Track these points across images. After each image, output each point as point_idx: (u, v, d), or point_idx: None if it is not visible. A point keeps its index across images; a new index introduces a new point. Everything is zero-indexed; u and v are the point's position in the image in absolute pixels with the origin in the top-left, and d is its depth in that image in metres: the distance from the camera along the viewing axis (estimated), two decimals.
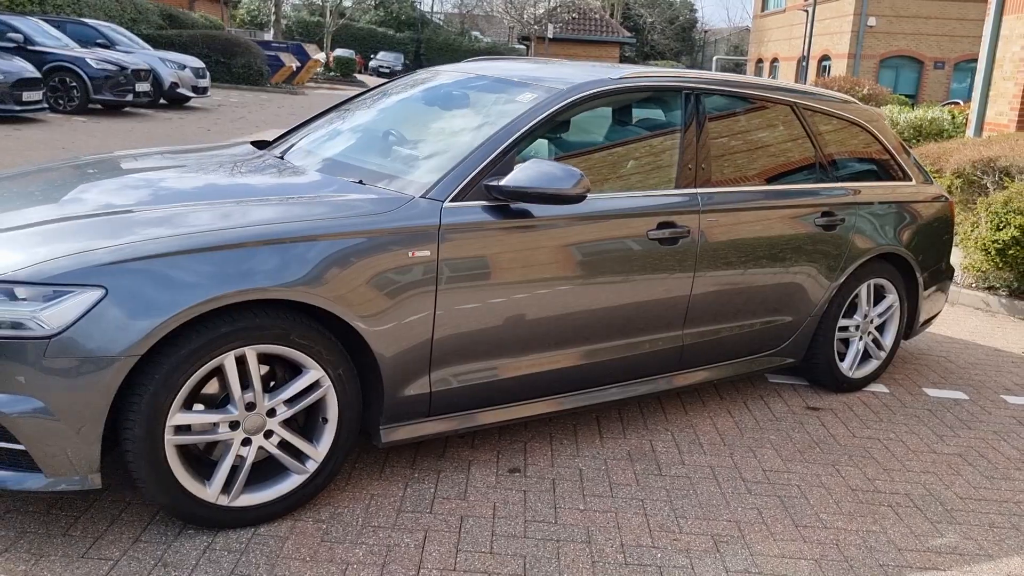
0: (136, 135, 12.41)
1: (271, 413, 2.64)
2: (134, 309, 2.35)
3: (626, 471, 3.26)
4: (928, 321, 4.67)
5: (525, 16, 28.92)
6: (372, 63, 46.11)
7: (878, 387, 4.41)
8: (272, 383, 2.69)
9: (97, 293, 2.34)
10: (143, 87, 15.58)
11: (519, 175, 2.91)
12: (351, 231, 2.69)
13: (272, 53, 28.46)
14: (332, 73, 37.99)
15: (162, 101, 17.38)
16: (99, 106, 14.95)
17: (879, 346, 4.35)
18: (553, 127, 3.35)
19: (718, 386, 4.20)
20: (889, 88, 17.07)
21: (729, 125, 3.76)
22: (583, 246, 3.15)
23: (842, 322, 4.15)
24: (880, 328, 4.36)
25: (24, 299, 2.33)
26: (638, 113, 3.69)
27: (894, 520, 3.06)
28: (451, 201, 2.91)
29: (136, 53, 17.07)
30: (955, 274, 5.92)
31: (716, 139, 3.65)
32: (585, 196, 2.92)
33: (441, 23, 55.30)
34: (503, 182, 2.92)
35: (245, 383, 2.57)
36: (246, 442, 2.62)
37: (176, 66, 17.54)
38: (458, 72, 3.90)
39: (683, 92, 3.59)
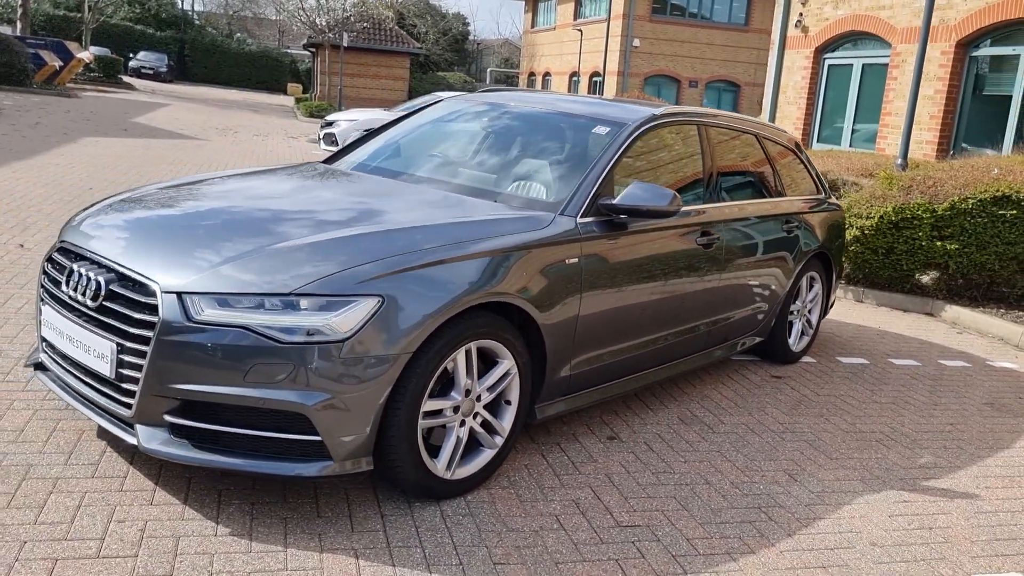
0: None
1: (478, 398, 3.15)
2: (407, 313, 2.78)
3: (689, 432, 4.06)
4: (832, 304, 5.92)
5: (319, 23, 28.74)
6: (132, 63, 43.13)
7: (808, 359, 5.56)
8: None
9: (375, 301, 2.75)
10: None
11: (629, 195, 3.61)
12: (532, 242, 3.26)
13: (32, 51, 26.05)
14: (95, 73, 35.18)
15: None
16: None
17: (810, 324, 5.50)
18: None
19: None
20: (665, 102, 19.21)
21: (724, 151, 4.69)
22: (663, 250, 3.92)
23: (791, 307, 5.24)
24: (810, 311, 5.51)
25: (305, 309, 2.69)
26: (670, 140, 4.50)
27: (885, 450, 4.11)
28: (581, 216, 3.55)
29: None
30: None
31: (720, 162, 4.57)
32: (679, 211, 3.68)
33: (200, 23, 52.68)
34: (616, 201, 3.62)
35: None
36: (461, 423, 3.11)
37: None
38: (514, 102, 4.51)
39: (698, 125, 4.46)
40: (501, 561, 2.76)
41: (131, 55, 44.38)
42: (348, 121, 14.62)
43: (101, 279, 2.87)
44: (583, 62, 37.47)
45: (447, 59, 49.09)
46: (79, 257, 3.06)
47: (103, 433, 3.31)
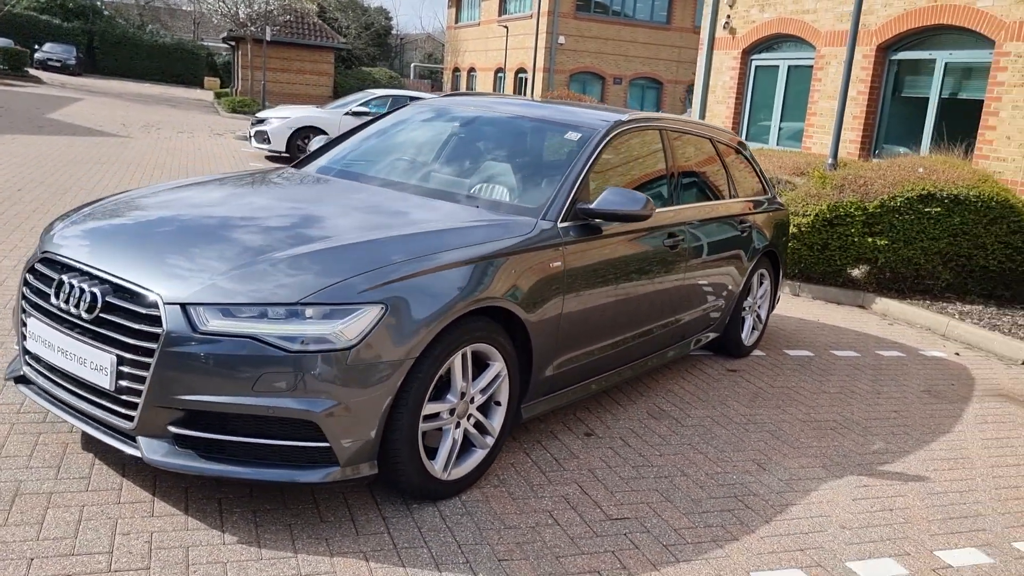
0: None
1: (471, 400, 3.23)
2: (409, 319, 2.85)
3: (659, 426, 4.22)
4: (778, 300, 6.19)
5: (240, 15, 28.04)
6: (38, 55, 41.29)
7: (758, 352, 5.82)
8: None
9: (379, 309, 2.80)
10: None
11: (605, 200, 3.74)
12: (519, 247, 3.36)
13: None
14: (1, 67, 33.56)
15: None
16: None
17: (760, 319, 5.76)
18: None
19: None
20: (594, 99, 19.55)
21: (684, 155, 4.87)
22: (635, 252, 4.07)
23: (744, 303, 5.48)
24: (760, 306, 5.76)
25: (311, 318, 2.73)
26: (636, 145, 4.65)
27: (840, 438, 4.36)
28: (561, 221, 3.67)
29: None
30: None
31: (681, 165, 4.75)
32: (652, 214, 3.83)
33: (109, 13, 50.74)
34: (593, 205, 3.74)
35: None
36: (456, 425, 3.18)
37: None
38: (483, 109, 4.58)
39: (659, 130, 4.63)
40: (505, 558, 2.85)
41: (36, 47, 42.49)
42: (280, 119, 14.39)
43: (96, 291, 2.84)
44: (508, 58, 37.63)
45: (370, 54, 48.57)
46: (66, 268, 3.02)
47: (89, 444, 3.26)
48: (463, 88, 44.57)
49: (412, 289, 2.91)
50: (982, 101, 9.35)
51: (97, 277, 2.90)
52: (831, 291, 7.87)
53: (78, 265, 2.97)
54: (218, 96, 32.66)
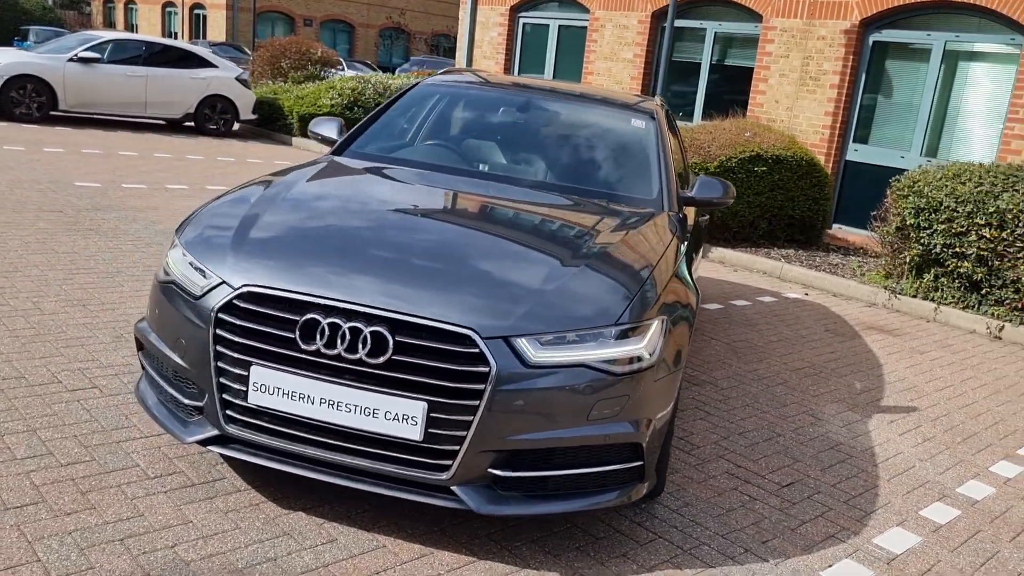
0: None
1: None
2: (674, 325, 2.88)
3: (701, 394, 4.59)
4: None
5: None
6: None
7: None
8: None
9: (660, 321, 2.80)
10: None
11: (701, 188, 3.96)
12: (680, 240, 3.49)
13: None
14: None
15: None
16: None
17: None
18: None
19: None
20: (334, 50, 18.79)
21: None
22: (695, 234, 4.37)
23: None
24: None
25: (628, 338, 2.66)
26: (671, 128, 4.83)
27: (826, 382, 5.08)
28: (678, 212, 3.83)
29: None
30: None
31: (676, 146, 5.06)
32: (733, 200, 4.11)
33: None
34: (692, 193, 3.95)
35: None
36: None
37: None
38: (528, 89, 4.52)
39: (667, 111, 4.89)
40: (743, 541, 3.07)
41: None
42: None
43: (380, 331, 2.47)
44: None
45: None
46: (307, 306, 2.54)
47: (304, 494, 2.82)
48: (120, 26, 39.51)
49: (669, 295, 2.94)
50: (750, 68, 10.78)
51: (364, 315, 2.51)
52: None
53: (327, 302, 2.53)
54: None
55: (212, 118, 13.93)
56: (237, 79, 14.15)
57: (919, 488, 3.72)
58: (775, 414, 4.39)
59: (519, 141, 4.22)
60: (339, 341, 2.48)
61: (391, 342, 2.47)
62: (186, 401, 2.74)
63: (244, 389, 2.57)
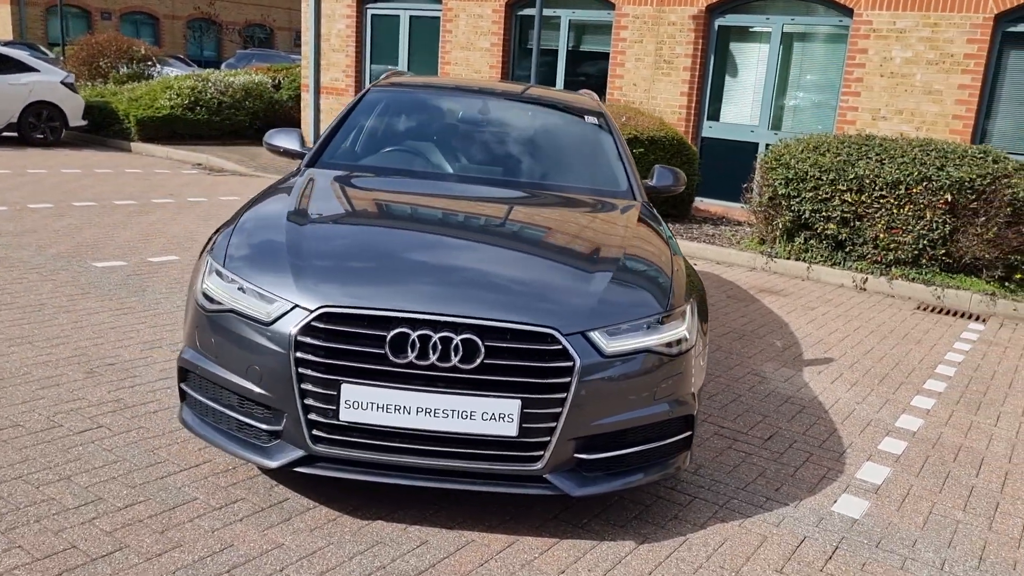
0: None
1: None
2: (695, 308, 3.21)
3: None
4: None
5: None
6: None
7: None
8: None
9: (690, 305, 3.11)
10: None
11: (660, 178, 4.32)
12: (660, 223, 3.81)
13: None
14: None
15: None
16: None
17: None
18: None
19: None
20: (142, 41, 17.60)
21: None
22: None
23: None
24: None
25: (673, 322, 2.96)
26: None
27: (763, 343, 5.62)
28: (646, 199, 4.16)
29: None
30: None
31: None
32: (684, 187, 4.48)
33: None
34: (653, 183, 4.29)
35: None
36: None
37: None
38: (475, 94, 4.64)
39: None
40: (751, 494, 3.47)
41: None
42: None
43: (470, 337, 2.61)
44: None
45: None
46: (393, 321, 2.63)
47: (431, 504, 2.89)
48: None
49: (685, 279, 3.25)
50: (607, 53, 11.34)
51: (451, 324, 2.64)
52: None
53: (413, 316, 2.63)
54: None
55: (38, 127, 12.86)
56: (63, 83, 13.12)
57: (868, 427, 4.27)
58: (727, 377, 4.84)
59: (495, 144, 4.39)
60: (431, 351, 2.59)
61: (482, 347, 2.61)
62: (260, 426, 2.74)
63: (333, 408, 2.62)
